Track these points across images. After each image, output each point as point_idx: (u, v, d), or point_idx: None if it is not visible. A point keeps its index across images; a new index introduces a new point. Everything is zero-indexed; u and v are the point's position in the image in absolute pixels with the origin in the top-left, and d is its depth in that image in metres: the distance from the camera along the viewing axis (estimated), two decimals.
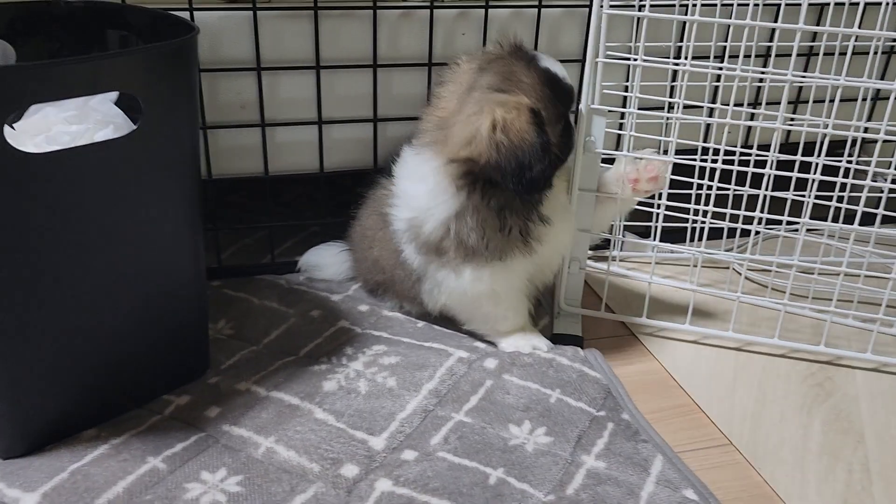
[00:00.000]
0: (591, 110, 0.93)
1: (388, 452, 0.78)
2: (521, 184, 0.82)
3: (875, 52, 1.03)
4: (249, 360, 0.91)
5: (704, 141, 0.97)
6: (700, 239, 1.03)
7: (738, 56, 0.92)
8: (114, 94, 0.83)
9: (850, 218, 0.96)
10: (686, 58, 0.95)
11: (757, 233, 0.99)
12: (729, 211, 0.97)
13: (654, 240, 1.07)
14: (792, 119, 1.14)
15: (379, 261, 0.99)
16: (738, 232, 1.02)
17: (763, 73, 0.97)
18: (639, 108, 0.98)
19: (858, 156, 1.10)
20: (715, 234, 1.04)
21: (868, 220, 0.96)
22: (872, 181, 0.91)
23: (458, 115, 0.85)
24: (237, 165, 1.05)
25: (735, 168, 0.97)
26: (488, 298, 0.91)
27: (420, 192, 0.89)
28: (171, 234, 0.79)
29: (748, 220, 0.96)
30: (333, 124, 1.06)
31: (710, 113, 0.99)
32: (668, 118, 0.98)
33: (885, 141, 0.90)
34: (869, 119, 1.16)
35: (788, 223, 0.97)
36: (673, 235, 1.10)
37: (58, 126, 0.79)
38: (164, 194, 0.77)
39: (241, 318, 0.99)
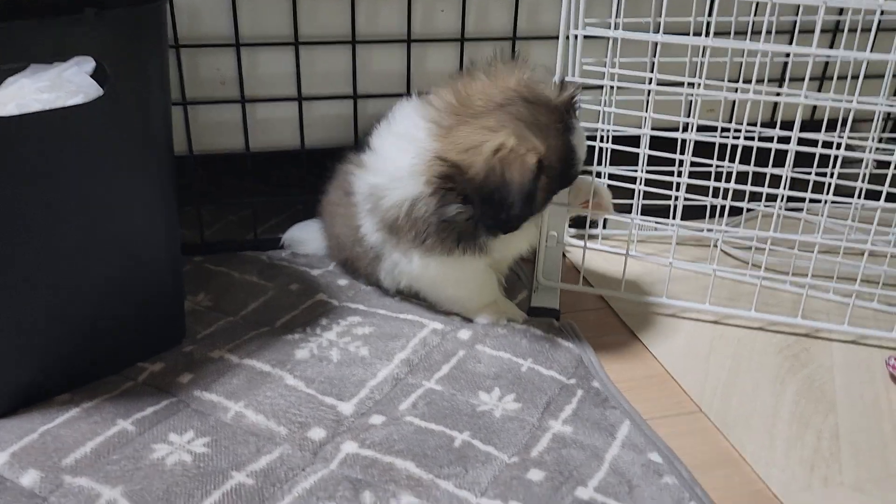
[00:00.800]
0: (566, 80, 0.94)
1: (357, 417, 0.78)
2: (492, 218, 0.82)
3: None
4: (226, 331, 0.92)
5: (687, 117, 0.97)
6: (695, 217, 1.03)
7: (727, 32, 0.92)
8: (89, 67, 0.84)
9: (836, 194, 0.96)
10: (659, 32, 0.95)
11: (742, 210, 0.99)
12: (712, 185, 0.97)
13: (636, 215, 1.07)
14: (778, 94, 1.13)
15: (339, 237, 0.99)
16: (727, 209, 1.02)
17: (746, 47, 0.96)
18: (617, 84, 0.98)
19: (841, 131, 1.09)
20: (702, 212, 1.04)
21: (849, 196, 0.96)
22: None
23: (474, 118, 0.82)
24: (218, 141, 1.06)
25: (717, 140, 0.97)
26: (446, 283, 0.92)
27: (395, 157, 0.86)
28: (142, 202, 0.80)
29: (736, 196, 0.97)
30: (313, 101, 1.06)
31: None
32: (649, 90, 0.98)
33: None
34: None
35: (769, 199, 0.97)
36: (658, 214, 1.10)
37: (30, 95, 0.80)
38: (133, 162, 0.78)
39: (221, 291, 1.00)
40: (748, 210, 1.05)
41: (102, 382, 0.82)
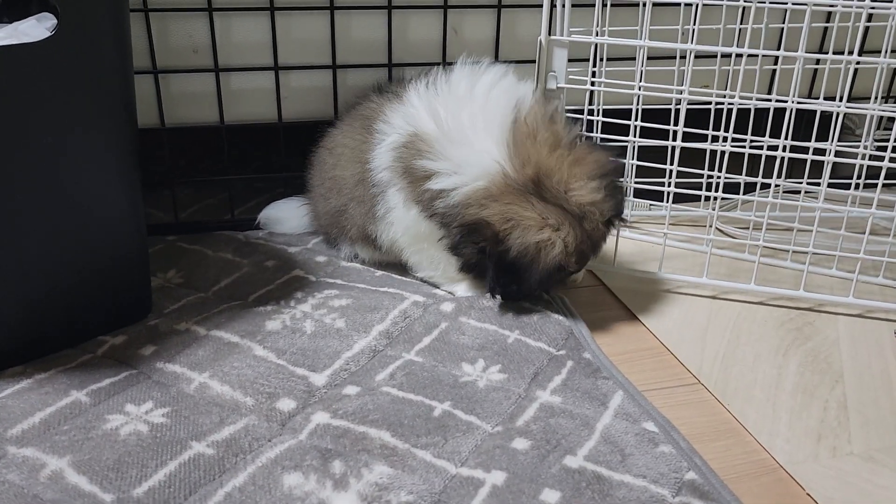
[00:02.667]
0: (551, 42, 0.89)
1: (330, 388, 0.73)
2: (503, 285, 0.82)
3: None
4: (195, 305, 0.86)
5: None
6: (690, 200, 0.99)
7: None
8: (49, 23, 0.80)
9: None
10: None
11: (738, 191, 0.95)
12: (706, 172, 0.93)
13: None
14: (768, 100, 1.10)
15: (340, 179, 0.93)
16: (720, 190, 0.98)
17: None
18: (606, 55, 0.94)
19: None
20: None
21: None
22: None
23: (536, 195, 0.79)
24: (191, 113, 1.01)
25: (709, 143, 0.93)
26: (432, 244, 0.86)
27: (466, 134, 0.81)
28: (98, 165, 0.75)
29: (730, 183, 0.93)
30: (291, 71, 1.02)
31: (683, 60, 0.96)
32: (640, 54, 0.94)
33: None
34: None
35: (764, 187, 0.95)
36: (654, 195, 1.07)
37: None
38: (85, 119, 0.73)
39: (192, 267, 0.95)
40: (743, 196, 1.01)
41: (59, 355, 0.76)
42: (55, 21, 0.79)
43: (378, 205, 0.88)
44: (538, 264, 0.79)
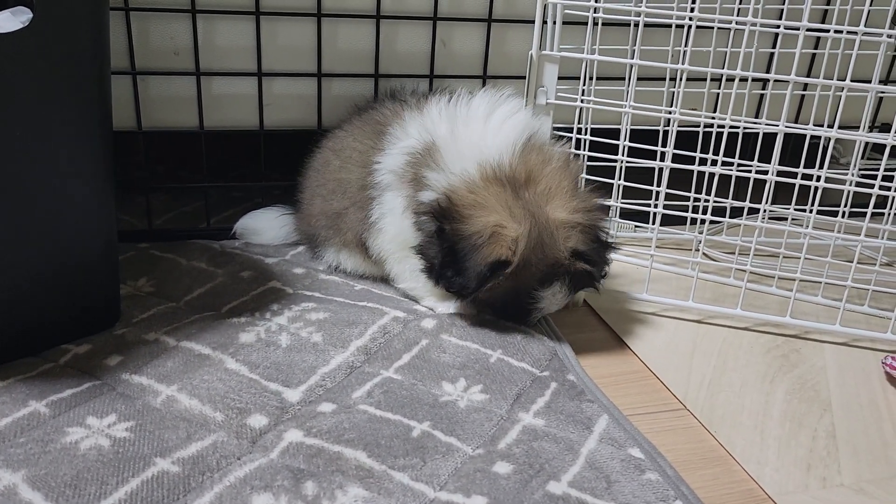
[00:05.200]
0: (541, 57, 0.88)
1: (304, 405, 0.70)
2: (445, 267, 0.79)
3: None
4: (165, 315, 0.83)
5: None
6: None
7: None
8: (25, 17, 0.77)
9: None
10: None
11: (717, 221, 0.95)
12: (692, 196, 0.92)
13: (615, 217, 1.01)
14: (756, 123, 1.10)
15: (345, 182, 0.91)
16: (709, 214, 0.97)
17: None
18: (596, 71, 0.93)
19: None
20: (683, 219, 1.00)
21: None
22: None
23: (509, 201, 0.79)
24: (170, 117, 0.98)
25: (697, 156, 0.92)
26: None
27: (469, 157, 0.81)
28: (70, 163, 0.72)
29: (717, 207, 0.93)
30: (275, 77, 1.00)
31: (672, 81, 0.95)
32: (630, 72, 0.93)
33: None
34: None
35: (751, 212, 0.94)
36: (640, 217, 1.05)
37: None
38: (59, 116, 0.70)
39: (165, 276, 0.92)
40: (730, 220, 1.00)
41: (19, 363, 0.73)
42: (30, 14, 0.76)
43: (373, 209, 0.86)
44: (480, 252, 0.76)
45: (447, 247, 0.78)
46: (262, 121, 1.01)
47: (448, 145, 0.82)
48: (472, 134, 0.83)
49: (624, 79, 1.01)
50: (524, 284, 0.80)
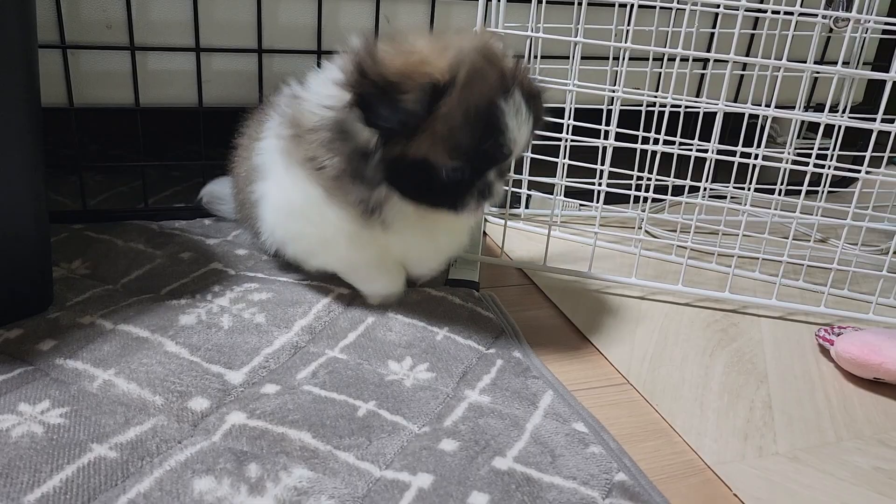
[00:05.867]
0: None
1: (247, 387, 0.68)
2: (378, 107, 0.67)
3: None
4: (101, 298, 0.80)
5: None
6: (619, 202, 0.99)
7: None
8: None
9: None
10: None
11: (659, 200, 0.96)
12: (635, 173, 0.93)
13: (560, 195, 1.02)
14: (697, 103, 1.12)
15: (236, 177, 0.88)
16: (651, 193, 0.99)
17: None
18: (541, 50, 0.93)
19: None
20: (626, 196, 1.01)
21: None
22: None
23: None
24: (103, 94, 0.95)
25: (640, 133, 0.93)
26: (321, 207, 0.75)
27: (321, 81, 0.74)
28: None
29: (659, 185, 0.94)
30: (214, 53, 0.97)
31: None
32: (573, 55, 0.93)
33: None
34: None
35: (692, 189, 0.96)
36: (584, 196, 1.06)
37: None
38: None
39: (100, 258, 0.89)
40: (672, 198, 1.01)
41: None
42: None
43: (252, 191, 0.82)
44: (411, 80, 0.66)
45: (369, 93, 0.67)
46: (202, 98, 0.98)
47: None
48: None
49: (568, 57, 1.01)
50: (483, 100, 0.68)
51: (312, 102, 0.73)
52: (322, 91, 0.73)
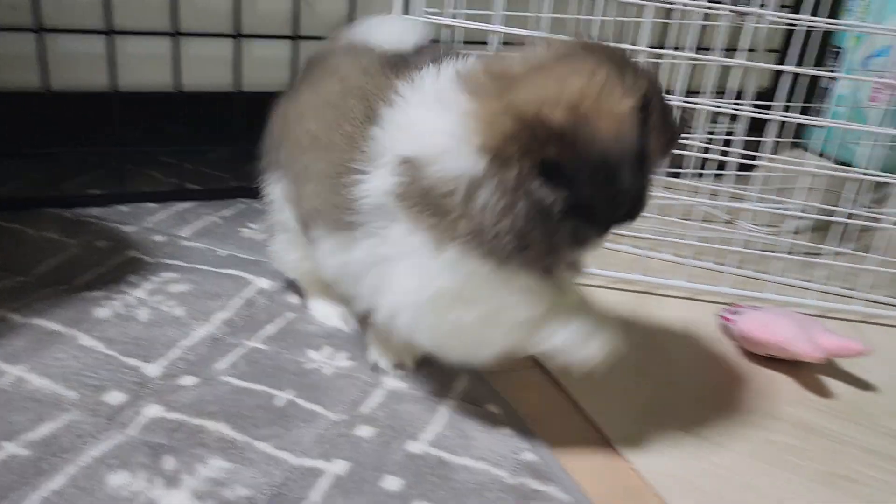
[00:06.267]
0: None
1: (164, 379, 0.69)
2: (601, 201, 0.56)
3: None
4: (11, 290, 0.79)
5: None
6: None
7: None
8: None
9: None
10: None
11: None
12: None
13: None
14: None
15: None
16: None
17: None
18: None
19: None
20: None
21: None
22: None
23: (545, 68, 0.57)
24: (10, 77, 0.92)
25: None
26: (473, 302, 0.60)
27: (426, 119, 0.59)
28: None
29: None
30: (126, 36, 0.95)
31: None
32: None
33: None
34: None
35: None
36: None
37: None
38: None
39: (10, 248, 0.87)
40: None
41: None
42: None
43: (357, 240, 0.63)
44: (608, 136, 0.54)
45: (585, 173, 0.55)
46: (116, 81, 0.96)
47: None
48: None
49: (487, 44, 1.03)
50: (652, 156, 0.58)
51: (443, 170, 0.57)
52: (446, 157, 0.57)
